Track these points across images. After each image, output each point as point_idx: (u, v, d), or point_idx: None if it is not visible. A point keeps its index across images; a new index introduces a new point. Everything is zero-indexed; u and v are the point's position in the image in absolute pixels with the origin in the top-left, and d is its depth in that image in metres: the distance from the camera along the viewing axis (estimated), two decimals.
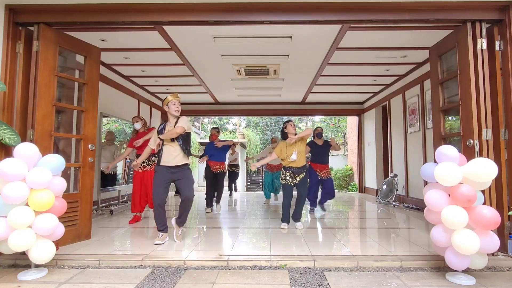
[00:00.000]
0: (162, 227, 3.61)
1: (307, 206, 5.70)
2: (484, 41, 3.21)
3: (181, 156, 3.55)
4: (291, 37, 4.57)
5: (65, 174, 3.03)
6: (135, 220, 4.77)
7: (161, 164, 3.55)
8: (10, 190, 2.44)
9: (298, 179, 4.36)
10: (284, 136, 4.46)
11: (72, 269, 2.85)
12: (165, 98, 3.60)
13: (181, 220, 3.71)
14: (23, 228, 2.51)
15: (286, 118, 20.87)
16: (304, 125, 22.18)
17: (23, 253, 2.78)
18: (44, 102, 3.23)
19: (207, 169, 5.87)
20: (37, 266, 2.76)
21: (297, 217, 4.47)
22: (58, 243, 2.91)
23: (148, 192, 4.69)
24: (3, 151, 3.06)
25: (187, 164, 3.63)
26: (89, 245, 3.46)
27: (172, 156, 3.53)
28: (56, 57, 3.36)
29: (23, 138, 3.14)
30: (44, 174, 2.58)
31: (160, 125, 3.72)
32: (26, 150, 2.63)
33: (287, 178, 4.37)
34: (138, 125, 4.85)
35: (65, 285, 2.49)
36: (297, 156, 4.30)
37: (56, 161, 2.79)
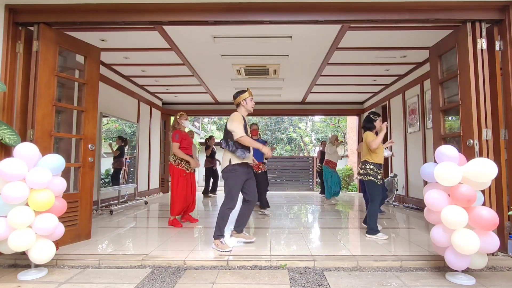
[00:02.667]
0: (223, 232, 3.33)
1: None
2: (484, 41, 3.21)
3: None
4: (291, 37, 4.57)
5: (65, 174, 3.03)
6: (177, 222, 4.50)
7: (244, 161, 3.34)
8: (10, 190, 2.45)
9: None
10: (370, 126, 3.98)
11: (72, 269, 2.85)
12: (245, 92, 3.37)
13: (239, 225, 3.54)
14: (23, 228, 2.51)
15: (286, 118, 20.86)
16: (304, 125, 22.08)
17: (23, 253, 2.78)
18: (44, 102, 3.23)
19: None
20: (37, 266, 2.76)
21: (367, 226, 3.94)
22: (58, 243, 2.92)
23: (188, 196, 4.57)
24: (3, 151, 3.06)
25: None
26: (89, 245, 3.46)
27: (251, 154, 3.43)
28: (56, 57, 3.37)
29: (23, 138, 3.14)
30: (44, 174, 2.58)
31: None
32: (26, 150, 2.63)
33: (378, 177, 3.88)
34: (187, 123, 4.76)
35: (65, 285, 2.49)
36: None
37: (56, 161, 2.79)
